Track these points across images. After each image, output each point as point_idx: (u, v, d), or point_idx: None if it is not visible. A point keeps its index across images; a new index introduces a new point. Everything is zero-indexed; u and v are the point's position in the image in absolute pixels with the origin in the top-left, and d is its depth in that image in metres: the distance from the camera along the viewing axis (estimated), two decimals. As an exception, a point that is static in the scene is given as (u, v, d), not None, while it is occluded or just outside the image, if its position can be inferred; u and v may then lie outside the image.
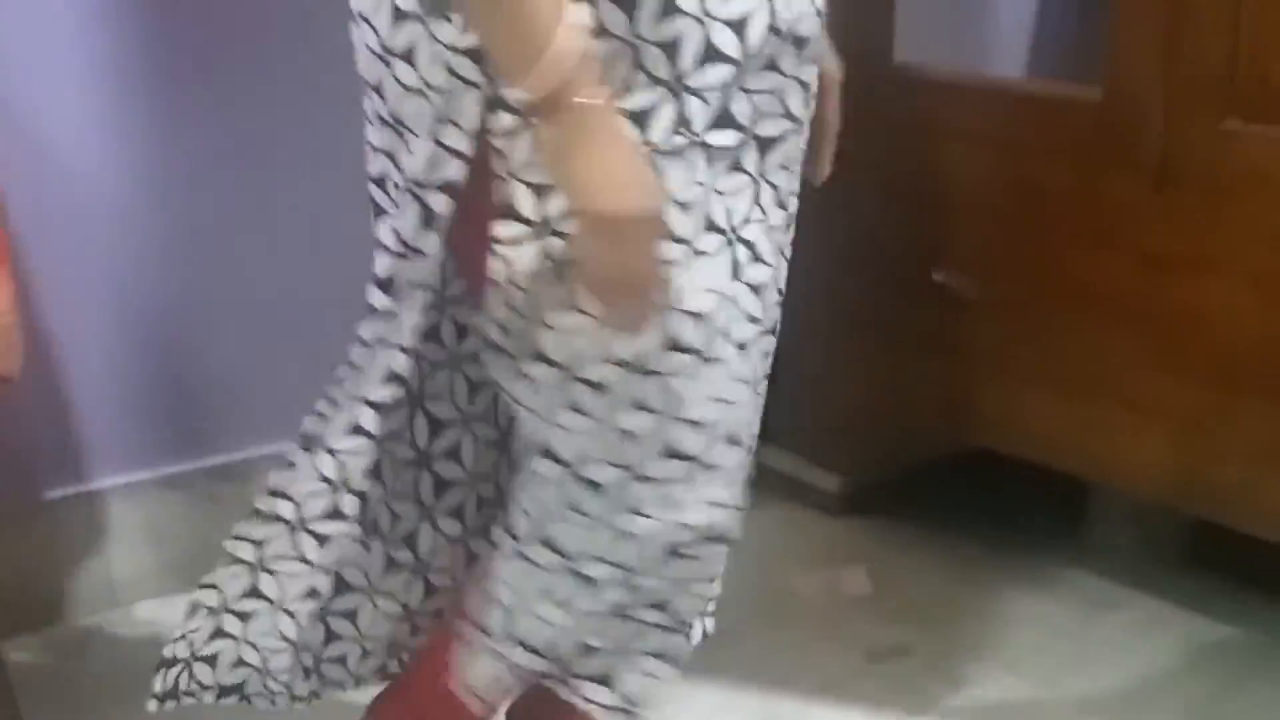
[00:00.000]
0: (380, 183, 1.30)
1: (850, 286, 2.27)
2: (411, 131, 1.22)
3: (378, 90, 1.25)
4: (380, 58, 1.22)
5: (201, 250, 2.10)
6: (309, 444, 1.42)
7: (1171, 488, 1.93)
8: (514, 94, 1.08)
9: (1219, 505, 1.89)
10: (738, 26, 1.16)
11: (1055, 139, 1.94)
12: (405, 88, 1.21)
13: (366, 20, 1.23)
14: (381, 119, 1.26)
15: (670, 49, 1.14)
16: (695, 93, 1.16)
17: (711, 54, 1.16)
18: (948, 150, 2.07)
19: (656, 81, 1.15)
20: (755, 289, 1.27)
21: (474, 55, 1.15)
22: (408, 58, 1.20)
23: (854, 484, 2.44)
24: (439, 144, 1.19)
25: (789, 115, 1.27)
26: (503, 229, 1.19)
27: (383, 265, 1.30)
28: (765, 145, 1.26)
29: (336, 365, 1.38)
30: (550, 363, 1.22)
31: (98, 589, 2.13)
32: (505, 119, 1.16)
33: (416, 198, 1.23)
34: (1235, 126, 1.75)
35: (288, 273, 2.16)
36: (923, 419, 2.27)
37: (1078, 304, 1.96)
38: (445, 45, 1.16)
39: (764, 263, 1.28)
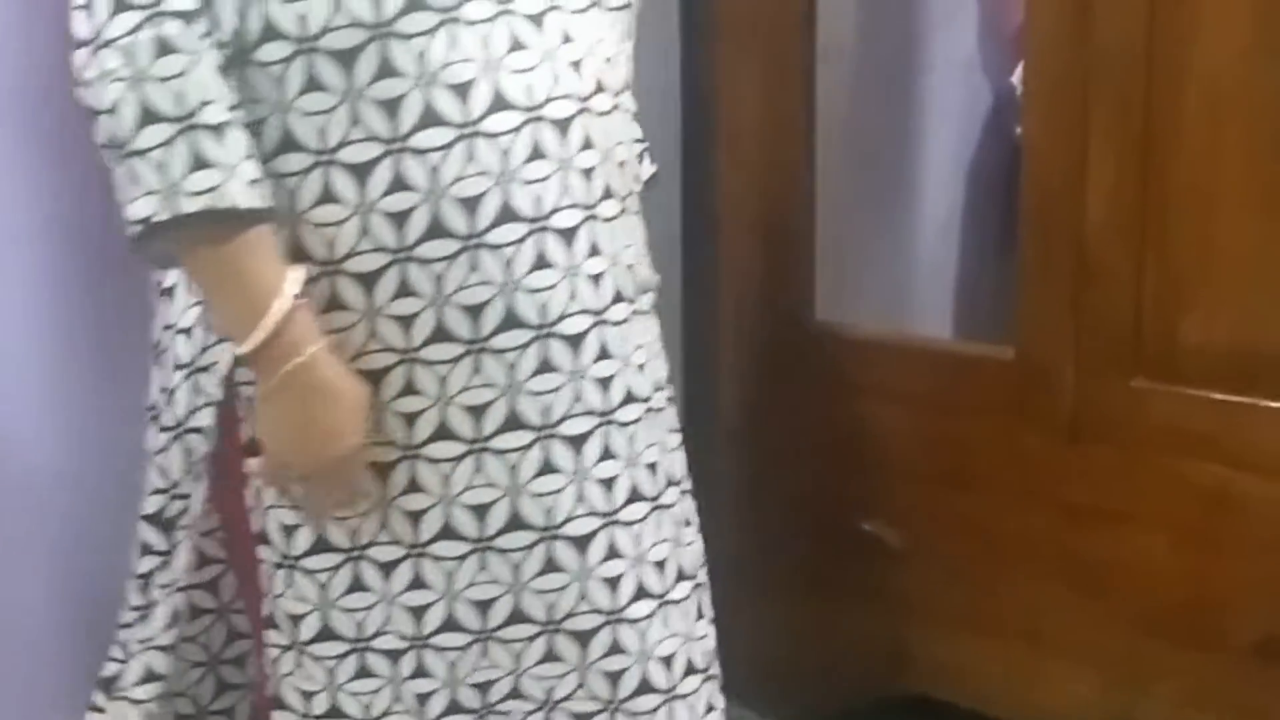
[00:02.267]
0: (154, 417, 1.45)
1: (781, 537, 2.30)
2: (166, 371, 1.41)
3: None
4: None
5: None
6: (109, 689, 1.50)
7: (1101, 734, 1.96)
8: (237, 351, 1.24)
9: (1148, 752, 1.92)
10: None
11: (973, 395, 2.01)
12: (166, 326, 1.41)
13: None
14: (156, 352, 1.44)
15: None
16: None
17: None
18: (871, 405, 2.13)
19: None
20: None
21: None
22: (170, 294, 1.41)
23: (790, 730, 2.45)
24: (197, 389, 1.36)
25: None
26: (253, 464, 1.33)
27: (153, 503, 1.44)
28: None
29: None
30: None
31: None
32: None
33: (178, 438, 1.39)
34: (1144, 385, 1.82)
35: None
36: (856, 665, 2.28)
37: (1003, 553, 2.00)
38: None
39: None
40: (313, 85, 1.23)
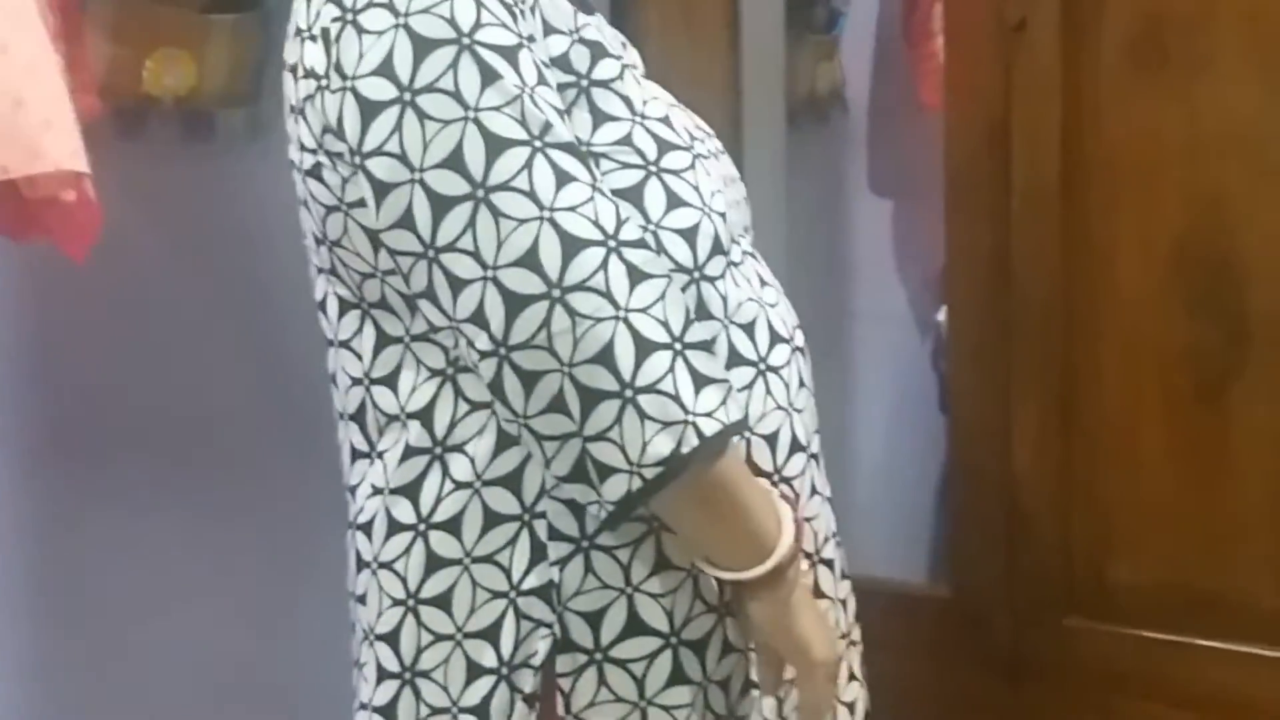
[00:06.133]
0: None
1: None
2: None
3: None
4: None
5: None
6: None
7: None
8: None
9: None
10: None
11: (908, 634, 2.02)
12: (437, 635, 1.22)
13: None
14: None
15: None
16: None
17: None
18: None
19: None
20: None
21: (543, 594, 1.19)
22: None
23: None
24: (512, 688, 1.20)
25: None
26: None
27: None
28: None
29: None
30: None
31: None
32: (570, 660, 1.20)
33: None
34: (1077, 624, 1.86)
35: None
36: None
37: (942, 793, 2.01)
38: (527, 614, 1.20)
39: None
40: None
